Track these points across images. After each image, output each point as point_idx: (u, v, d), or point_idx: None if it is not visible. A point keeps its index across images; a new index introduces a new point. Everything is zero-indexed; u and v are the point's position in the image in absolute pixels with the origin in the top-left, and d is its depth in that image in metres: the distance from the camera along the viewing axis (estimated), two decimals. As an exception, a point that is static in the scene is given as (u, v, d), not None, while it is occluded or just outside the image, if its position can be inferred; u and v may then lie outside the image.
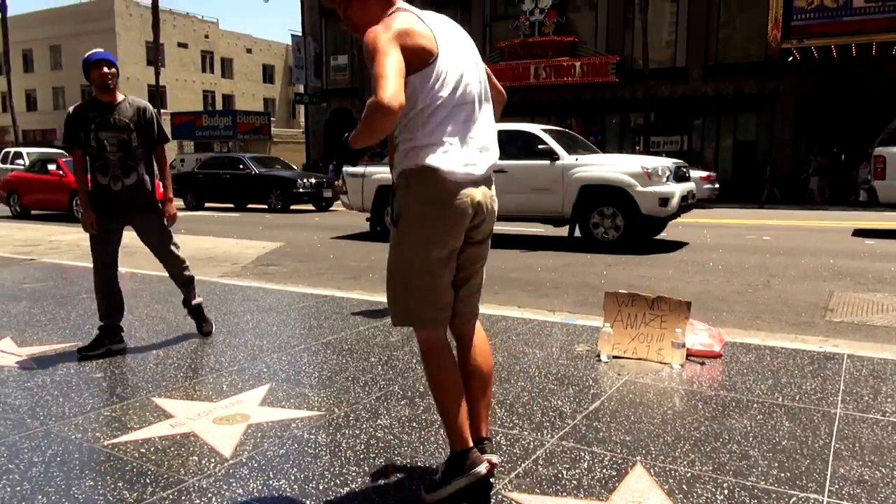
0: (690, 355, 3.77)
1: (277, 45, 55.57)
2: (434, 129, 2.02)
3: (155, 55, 35.43)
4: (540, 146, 9.29)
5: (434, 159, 2.01)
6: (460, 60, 2.09)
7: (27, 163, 22.28)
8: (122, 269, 6.43)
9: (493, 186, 2.21)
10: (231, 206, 19.25)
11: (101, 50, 4.02)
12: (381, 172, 10.20)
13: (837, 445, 2.63)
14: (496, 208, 2.21)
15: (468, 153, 2.08)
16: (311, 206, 18.41)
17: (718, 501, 2.20)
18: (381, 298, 5.63)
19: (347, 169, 10.85)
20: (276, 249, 9.64)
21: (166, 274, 4.30)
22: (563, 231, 9.81)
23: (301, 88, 33.67)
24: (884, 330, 4.76)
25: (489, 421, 2.47)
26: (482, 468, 2.08)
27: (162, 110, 36.82)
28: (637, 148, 25.29)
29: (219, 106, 50.38)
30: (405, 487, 2.33)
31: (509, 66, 26.34)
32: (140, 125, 3.98)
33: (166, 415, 3.00)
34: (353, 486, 2.33)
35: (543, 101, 26.21)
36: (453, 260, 2.14)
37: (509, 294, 6.08)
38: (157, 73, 34.58)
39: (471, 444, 2.13)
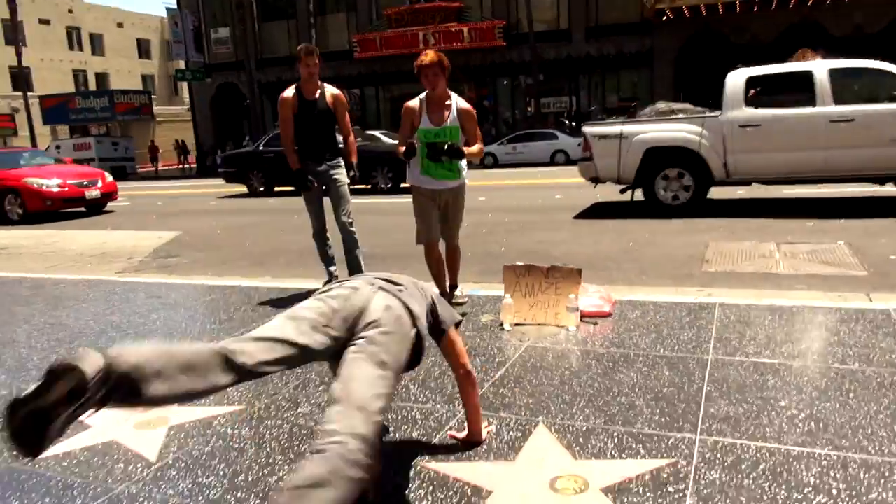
0: (584, 317, 4.11)
1: (151, 18, 52.48)
2: None
3: (14, 33, 32.74)
4: None
5: None
6: None
7: None
8: (7, 274, 6.13)
9: None
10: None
11: None
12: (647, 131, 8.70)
13: (709, 388, 3.01)
14: None
15: None
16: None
17: (609, 449, 2.51)
18: (292, 284, 5.69)
19: (593, 129, 9.11)
20: (175, 239, 9.38)
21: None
22: None
23: (182, 64, 32.08)
24: (751, 276, 5.31)
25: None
26: None
27: (28, 93, 34.08)
28: (529, 109, 25.93)
29: (92, 86, 47.21)
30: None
31: (397, 34, 26.23)
32: None
33: (84, 426, 3.01)
34: (282, 473, 2.47)
35: (435, 67, 26.30)
36: None
37: (415, 269, 6.27)
38: (19, 54, 31.99)
39: None
